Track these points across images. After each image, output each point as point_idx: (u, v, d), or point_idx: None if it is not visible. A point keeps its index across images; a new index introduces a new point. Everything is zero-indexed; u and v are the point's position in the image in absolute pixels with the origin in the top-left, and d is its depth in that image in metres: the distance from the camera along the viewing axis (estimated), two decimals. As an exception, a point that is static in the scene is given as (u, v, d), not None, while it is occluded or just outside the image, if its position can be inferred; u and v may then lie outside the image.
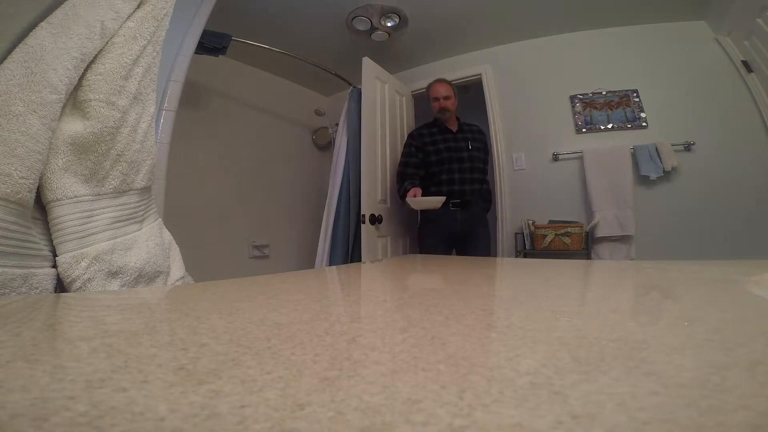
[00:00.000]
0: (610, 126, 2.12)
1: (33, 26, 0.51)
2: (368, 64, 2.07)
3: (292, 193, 2.73)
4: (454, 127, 1.96)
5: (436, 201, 1.73)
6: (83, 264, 0.53)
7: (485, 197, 2.04)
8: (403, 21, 2.12)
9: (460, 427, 0.12)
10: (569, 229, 1.98)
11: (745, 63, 1.86)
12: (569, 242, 1.97)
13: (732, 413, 0.13)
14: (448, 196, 1.79)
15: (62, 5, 0.54)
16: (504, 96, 2.38)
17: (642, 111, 2.07)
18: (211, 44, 1.63)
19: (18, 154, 0.46)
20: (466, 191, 1.85)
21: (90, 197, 0.57)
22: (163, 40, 0.69)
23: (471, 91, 2.57)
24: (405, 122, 2.39)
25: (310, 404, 0.14)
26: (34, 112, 0.48)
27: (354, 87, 2.23)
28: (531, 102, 2.29)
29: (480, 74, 2.43)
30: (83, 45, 0.54)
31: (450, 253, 1.96)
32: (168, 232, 0.76)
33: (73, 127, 0.54)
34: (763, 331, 0.23)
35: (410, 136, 2.01)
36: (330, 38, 2.28)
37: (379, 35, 2.24)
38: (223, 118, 2.35)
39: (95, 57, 0.57)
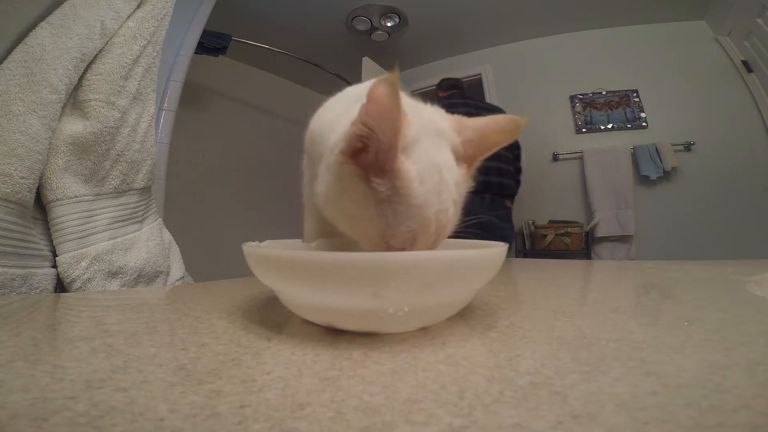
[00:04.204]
0: (610, 126, 2.12)
1: (33, 26, 0.51)
2: (368, 64, 2.07)
3: (292, 193, 2.72)
4: None
5: None
6: (83, 264, 0.53)
7: None
8: (403, 21, 2.12)
9: (460, 427, 0.12)
10: (569, 229, 1.98)
11: (745, 63, 1.86)
12: (569, 242, 1.97)
13: (732, 413, 0.13)
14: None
15: (62, 5, 0.54)
16: (504, 96, 2.37)
17: (642, 111, 2.07)
18: (211, 44, 1.63)
19: (18, 154, 0.46)
20: None
21: (90, 197, 0.57)
22: (163, 40, 0.68)
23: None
24: (405, 122, 2.39)
25: (310, 404, 0.14)
26: (34, 112, 0.48)
27: (354, 87, 2.23)
28: (531, 102, 2.29)
29: (480, 74, 2.43)
30: (83, 45, 0.54)
31: None
32: (168, 232, 0.76)
33: (73, 127, 0.54)
34: (763, 331, 0.23)
35: None
36: (330, 38, 2.28)
37: (379, 35, 2.24)
38: (223, 118, 2.34)
39: (95, 57, 0.57)
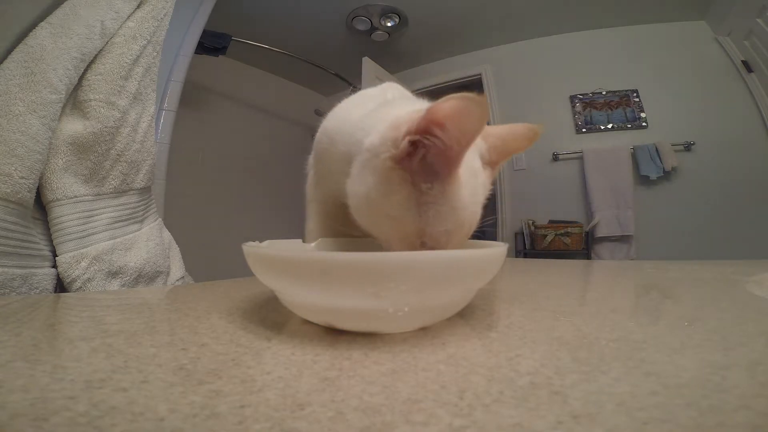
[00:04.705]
0: (610, 126, 2.12)
1: (33, 26, 0.51)
2: (368, 64, 2.07)
3: (292, 193, 2.73)
4: None
5: None
6: (83, 264, 0.53)
7: None
8: (403, 21, 2.11)
9: (460, 427, 0.12)
10: (569, 229, 1.98)
11: (745, 63, 1.86)
12: (569, 242, 1.97)
13: (732, 413, 0.13)
14: None
15: (62, 5, 0.54)
16: (504, 96, 2.37)
17: (642, 111, 2.07)
18: (211, 44, 1.63)
19: (18, 154, 0.46)
20: None
21: (90, 197, 0.57)
22: (163, 40, 0.68)
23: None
24: (405, 122, 2.40)
25: (310, 404, 0.14)
26: (34, 112, 0.48)
27: (354, 87, 2.23)
28: (531, 102, 2.29)
29: (480, 74, 2.43)
30: (83, 45, 0.54)
31: None
32: (168, 232, 0.76)
33: (73, 127, 0.54)
34: (763, 331, 0.23)
35: None
36: (330, 38, 2.27)
37: (379, 35, 2.24)
38: (223, 118, 2.34)
39: (95, 57, 0.57)
